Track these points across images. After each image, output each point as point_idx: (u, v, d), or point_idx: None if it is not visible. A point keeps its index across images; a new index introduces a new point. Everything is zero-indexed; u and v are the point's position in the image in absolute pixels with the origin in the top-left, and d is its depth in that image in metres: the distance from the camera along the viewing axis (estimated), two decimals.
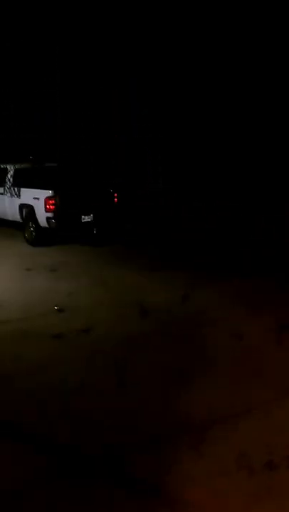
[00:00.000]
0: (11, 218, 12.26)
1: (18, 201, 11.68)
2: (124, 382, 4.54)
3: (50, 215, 10.70)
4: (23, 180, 11.83)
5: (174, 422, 3.93)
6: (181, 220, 13.42)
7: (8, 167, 12.56)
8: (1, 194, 12.36)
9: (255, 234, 11.20)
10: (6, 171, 12.49)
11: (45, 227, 10.92)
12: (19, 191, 11.66)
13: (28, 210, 11.32)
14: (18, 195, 11.67)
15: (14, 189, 11.87)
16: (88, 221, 11.20)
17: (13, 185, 11.99)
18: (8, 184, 12.16)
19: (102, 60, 17.62)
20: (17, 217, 11.86)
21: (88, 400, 4.30)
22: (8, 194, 12.05)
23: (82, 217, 11.10)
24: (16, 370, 4.91)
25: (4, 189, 12.24)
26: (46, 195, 10.70)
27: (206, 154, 15.69)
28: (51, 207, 10.67)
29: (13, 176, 12.17)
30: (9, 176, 12.28)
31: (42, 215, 10.82)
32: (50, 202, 10.66)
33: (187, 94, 16.02)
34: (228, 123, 15.18)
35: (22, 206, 11.53)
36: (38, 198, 10.90)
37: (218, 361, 5.01)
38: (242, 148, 15.10)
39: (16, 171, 12.27)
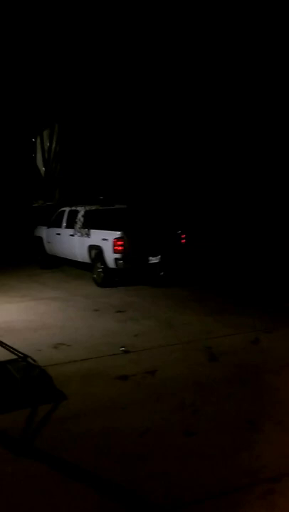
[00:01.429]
0: (80, 259, 12.49)
1: (87, 242, 11.91)
2: (190, 429, 4.37)
3: (118, 256, 10.80)
4: (92, 222, 12.08)
5: (243, 472, 3.71)
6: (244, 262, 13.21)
7: (78, 208, 12.91)
8: (71, 236, 12.68)
9: None
10: (76, 213, 12.83)
11: (113, 268, 11.02)
12: (89, 232, 11.89)
13: (96, 251, 11.50)
14: (88, 236, 11.90)
15: (84, 230, 12.12)
16: (155, 262, 11.21)
17: (83, 226, 12.26)
18: (79, 225, 12.45)
19: None
20: (86, 258, 12.07)
21: (154, 444, 4.15)
22: (78, 235, 12.32)
23: (150, 258, 11.13)
24: (81, 409, 4.86)
25: (75, 230, 12.54)
26: (114, 237, 10.84)
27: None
28: (119, 248, 10.78)
29: (84, 218, 12.46)
30: (79, 217, 12.58)
31: (110, 256, 10.95)
32: (118, 243, 10.78)
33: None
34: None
35: (91, 247, 11.74)
36: (106, 239, 11.07)
37: None
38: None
39: (86, 212, 12.56)
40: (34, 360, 6.08)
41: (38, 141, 22.09)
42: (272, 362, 6.13)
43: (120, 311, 8.88)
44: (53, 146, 21.45)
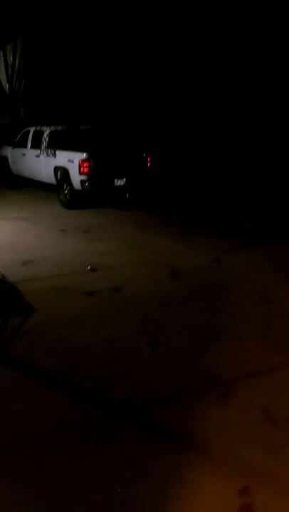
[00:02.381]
0: (46, 180, 12.44)
1: (53, 163, 11.82)
2: (154, 339, 4.70)
3: (84, 177, 10.81)
4: (58, 142, 11.94)
5: (201, 377, 4.07)
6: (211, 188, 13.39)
7: (43, 129, 12.68)
8: (37, 156, 12.53)
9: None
10: (42, 133, 12.62)
11: (79, 190, 11.06)
12: (54, 153, 11.78)
13: (62, 173, 11.46)
14: (54, 156, 11.79)
15: (49, 150, 11.99)
16: (121, 185, 11.29)
17: (49, 147, 12.11)
18: (44, 146, 12.29)
19: None
20: (52, 180, 12.03)
21: (120, 353, 4.47)
22: (44, 155, 12.19)
23: (116, 180, 11.19)
24: (50, 321, 5.12)
25: (40, 150, 12.38)
26: (80, 158, 10.80)
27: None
28: (85, 169, 10.77)
29: (49, 138, 12.28)
30: (45, 137, 12.39)
31: (76, 178, 10.95)
32: (85, 165, 10.77)
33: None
34: None
35: (57, 168, 11.68)
36: (72, 161, 11.02)
37: (246, 322, 5.12)
38: None
39: (51, 132, 12.37)
40: (4, 276, 6.27)
41: (1, 56, 21.07)
42: (232, 280, 6.48)
43: (86, 232, 9.05)
44: (17, 61, 20.50)
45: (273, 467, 3.00)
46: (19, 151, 13.60)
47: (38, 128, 13.02)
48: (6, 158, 14.43)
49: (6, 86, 21.18)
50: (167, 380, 4.02)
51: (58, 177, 11.68)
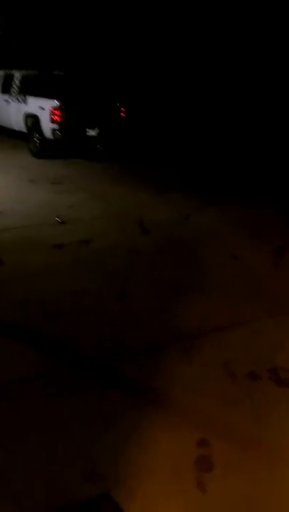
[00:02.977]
0: (16, 128, 12.09)
1: (23, 110, 11.46)
2: (122, 292, 4.72)
3: (55, 126, 10.54)
4: (29, 88, 11.55)
5: (166, 332, 4.12)
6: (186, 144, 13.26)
7: (15, 73, 12.21)
8: (6, 102, 12.12)
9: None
10: (12, 78, 12.16)
11: (49, 139, 10.79)
12: (25, 99, 11.40)
13: (33, 120, 11.14)
14: (25, 103, 11.42)
15: (20, 96, 11.60)
16: (93, 135, 11.05)
17: (20, 92, 11.71)
18: (15, 91, 11.87)
19: None
20: (22, 127, 11.70)
21: (88, 306, 4.48)
22: (15, 101, 11.79)
23: (88, 130, 10.94)
24: (18, 274, 5.07)
25: (10, 96, 11.96)
26: (52, 105, 10.49)
27: None
28: (56, 118, 10.49)
29: (20, 83, 11.85)
30: (16, 82, 11.96)
31: (47, 126, 10.67)
32: (56, 112, 10.48)
33: None
34: None
35: (27, 115, 11.34)
36: (43, 108, 10.70)
37: (214, 278, 5.17)
38: None
39: (23, 77, 11.93)
40: None
41: None
42: (201, 235, 6.50)
43: (56, 183, 8.89)
44: None
45: (231, 420, 3.09)
46: None
47: (9, 72, 12.53)
48: None
49: None
50: (134, 334, 4.05)
51: (28, 124, 11.35)
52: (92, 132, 11.00)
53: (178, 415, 3.15)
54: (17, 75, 12.14)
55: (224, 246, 6.12)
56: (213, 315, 4.40)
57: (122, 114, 11.47)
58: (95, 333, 4.05)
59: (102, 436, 2.93)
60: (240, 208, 7.92)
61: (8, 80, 12.35)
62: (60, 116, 10.50)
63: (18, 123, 11.82)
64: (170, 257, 5.75)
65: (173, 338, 4.04)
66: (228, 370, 3.54)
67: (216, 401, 3.26)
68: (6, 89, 12.27)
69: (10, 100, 12.00)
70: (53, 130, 10.57)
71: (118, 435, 2.94)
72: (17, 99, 11.75)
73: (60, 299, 4.60)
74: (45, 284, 4.90)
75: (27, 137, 11.55)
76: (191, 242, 6.27)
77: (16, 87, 11.94)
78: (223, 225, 7.01)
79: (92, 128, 10.97)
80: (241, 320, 4.34)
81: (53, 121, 10.52)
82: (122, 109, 11.45)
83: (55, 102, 10.47)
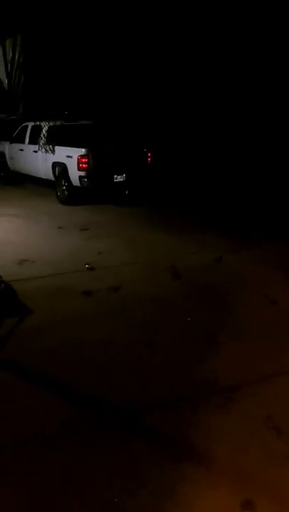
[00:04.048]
0: (43, 176, 12.27)
1: (51, 159, 11.65)
2: (152, 341, 4.55)
3: (82, 173, 10.65)
4: (56, 138, 11.77)
5: (202, 382, 3.92)
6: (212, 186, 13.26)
7: (42, 124, 12.50)
8: (35, 152, 12.37)
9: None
10: (40, 128, 12.44)
11: (77, 186, 10.89)
12: (53, 149, 11.61)
13: (60, 169, 11.30)
14: (52, 152, 11.62)
15: (48, 146, 11.82)
16: (121, 181, 11.12)
17: (47, 142, 11.94)
18: (42, 141, 12.12)
19: None
20: (50, 175, 11.86)
21: (118, 355, 4.33)
22: (42, 151, 12.02)
23: (115, 176, 11.02)
24: (47, 322, 4.97)
25: (38, 146, 12.21)
26: (79, 154, 10.63)
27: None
28: (84, 165, 10.61)
29: (48, 133, 12.11)
30: (43, 132, 12.22)
31: (74, 174, 10.78)
32: (83, 160, 10.60)
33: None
34: None
35: (55, 164, 11.51)
36: (71, 156, 10.85)
37: (250, 325, 4.96)
38: None
39: (50, 128, 12.20)
40: None
41: (0, 51, 20.89)
42: (234, 279, 6.32)
43: (84, 229, 8.89)
44: (16, 57, 20.33)
45: (277, 480, 2.86)
46: (17, 146, 13.42)
47: (37, 123, 12.84)
48: (3, 154, 14.25)
49: (5, 82, 21.04)
50: (165, 385, 3.87)
51: (56, 173, 11.51)
52: (119, 178, 11.07)
53: (218, 473, 2.93)
54: (44, 125, 12.42)
55: (260, 289, 5.91)
56: (252, 364, 4.18)
57: (148, 159, 11.54)
58: (124, 383, 3.88)
59: (136, 492, 2.73)
60: (272, 246, 7.73)
61: (36, 130, 12.64)
62: (87, 164, 10.61)
63: (46, 172, 12.00)
64: (203, 303, 5.57)
65: (207, 388, 3.83)
66: (272, 424, 3.30)
67: (258, 458, 3.04)
68: (34, 140, 12.53)
69: (38, 150, 12.24)
70: (81, 177, 10.67)
71: (153, 492, 2.74)
72: (44, 149, 11.97)
73: (88, 347, 4.47)
74: (74, 332, 4.78)
75: (55, 185, 11.69)
76: (224, 286, 6.09)
77: (43, 138, 12.18)
78: (256, 266, 6.83)
79: (119, 174, 11.04)
80: (280, 370, 4.11)
81: (80, 169, 10.64)
82: (148, 154, 11.53)
83: (82, 151, 10.61)
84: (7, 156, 14.05)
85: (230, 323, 5.03)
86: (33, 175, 12.83)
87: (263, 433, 3.25)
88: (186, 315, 5.20)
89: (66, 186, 11.19)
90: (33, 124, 13.04)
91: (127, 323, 4.98)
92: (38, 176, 12.55)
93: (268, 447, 3.13)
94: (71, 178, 10.95)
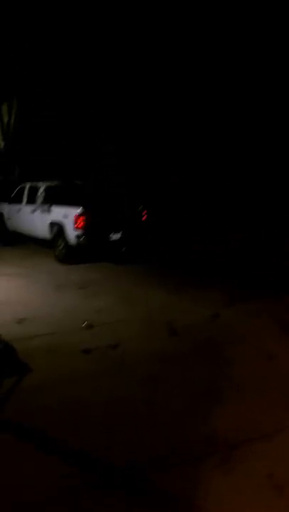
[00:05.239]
0: (41, 236, 12.48)
1: (48, 219, 11.89)
2: (152, 398, 4.56)
3: (79, 232, 10.85)
4: (53, 198, 12.06)
5: (202, 439, 3.91)
6: (205, 242, 13.47)
7: (39, 185, 12.84)
8: (32, 212, 12.62)
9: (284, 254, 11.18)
10: (37, 189, 12.76)
11: (74, 245, 11.07)
12: (49, 208, 11.86)
13: (57, 228, 11.51)
14: (49, 212, 11.86)
15: (45, 206, 12.09)
16: (117, 239, 11.32)
17: (44, 202, 12.22)
18: (39, 201, 12.40)
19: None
20: (47, 235, 12.06)
21: (117, 413, 4.32)
22: (39, 211, 12.28)
23: (111, 235, 11.23)
24: (46, 380, 4.97)
25: (35, 206, 12.48)
26: (75, 213, 10.86)
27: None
28: (80, 224, 10.82)
29: (44, 194, 12.41)
30: (40, 193, 12.53)
31: (71, 233, 10.98)
32: (80, 219, 10.82)
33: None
34: None
35: (52, 224, 11.74)
36: (67, 216, 11.08)
37: (247, 381, 4.98)
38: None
39: (46, 188, 12.52)
40: None
41: None
42: (232, 335, 6.37)
43: (82, 288, 8.98)
44: (12, 120, 21.05)
45: None
46: (15, 207, 13.71)
47: (34, 184, 13.19)
48: (1, 215, 14.53)
49: (2, 144, 21.65)
50: (165, 443, 3.86)
51: (53, 232, 11.71)
52: (115, 236, 11.28)
53: None
54: (41, 186, 12.75)
55: (258, 344, 5.97)
56: (252, 421, 4.18)
57: (144, 217, 11.79)
58: (125, 442, 3.87)
59: None
60: (268, 301, 7.83)
61: (32, 191, 12.96)
62: (84, 223, 10.83)
63: (43, 231, 12.21)
64: (201, 359, 5.60)
65: (208, 446, 3.83)
66: (273, 482, 3.29)
67: None
68: (31, 200, 12.83)
69: (35, 210, 12.50)
70: (77, 236, 10.86)
71: None
72: (41, 208, 12.23)
73: (87, 405, 4.46)
74: (73, 390, 4.77)
75: (52, 244, 11.87)
76: (221, 342, 6.13)
77: (40, 198, 12.48)
78: (253, 321, 6.90)
79: (116, 232, 11.26)
80: (279, 427, 4.10)
81: (76, 227, 10.85)
82: (144, 212, 11.79)
83: (78, 210, 10.85)
84: (5, 217, 14.33)
85: (229, 379, 5.04)
86: (31, 234, 13.05)
87: (264, 492, 3.23)
88: (185, 371, 5.23)
89: (63, 245, 11.36)
90: (30, 184, 13.39)
91: (125, 381, 4.99)
92: (36, 235, 12.76)
93: (269, 507, 3.11)
94: (68, 237, 11.14)
